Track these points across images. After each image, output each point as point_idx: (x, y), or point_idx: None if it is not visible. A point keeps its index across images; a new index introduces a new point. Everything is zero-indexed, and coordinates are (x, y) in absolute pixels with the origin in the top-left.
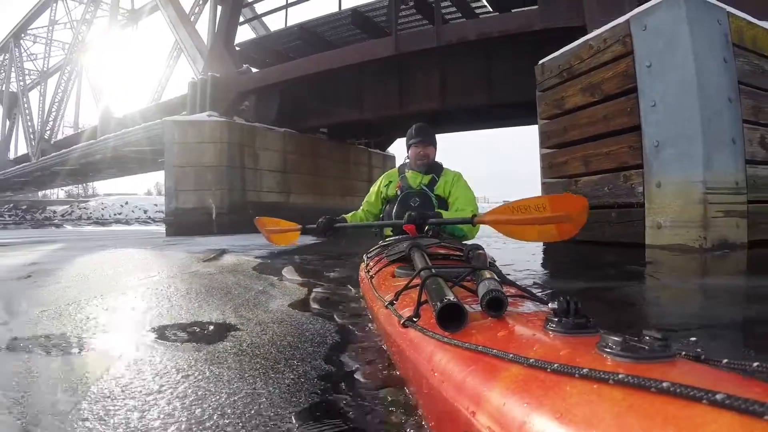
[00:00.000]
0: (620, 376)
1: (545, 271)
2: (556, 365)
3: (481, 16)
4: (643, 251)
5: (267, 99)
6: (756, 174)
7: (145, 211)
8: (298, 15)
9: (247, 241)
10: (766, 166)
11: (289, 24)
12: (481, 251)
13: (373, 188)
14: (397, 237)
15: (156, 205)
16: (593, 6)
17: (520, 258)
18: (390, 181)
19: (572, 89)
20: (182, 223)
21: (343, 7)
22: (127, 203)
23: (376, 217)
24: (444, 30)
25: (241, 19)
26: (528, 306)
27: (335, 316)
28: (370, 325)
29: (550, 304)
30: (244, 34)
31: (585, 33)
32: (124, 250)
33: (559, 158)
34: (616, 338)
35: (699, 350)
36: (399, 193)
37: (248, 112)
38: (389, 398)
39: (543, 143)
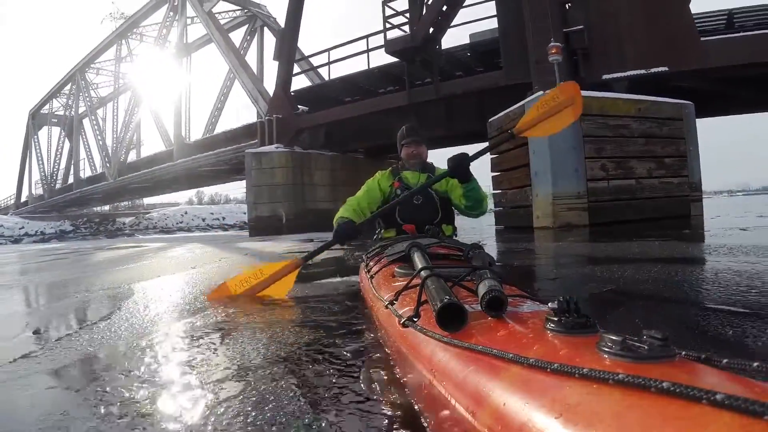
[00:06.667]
0: (620, 376)
1: (492, 238)
2: (555, 365)
3: (474, 68)
4: (532, 230)
5: (317, 131)
6: (596, 186)
7: (203, 219)
8: (341, 65)
9: (311, 237)
10: (604, 182)
11: (332, 76)
12: (481, 251)
13: (372, 183)
14: (396, 237)
15: (212, 213)
16: (535, 71)
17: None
18: (390, 183)
19: None
20: (260, 227)
21: (371, 65)
22: (186, 213)
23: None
24: (441, 86)
25: (299, 70)
26: (528, 306)
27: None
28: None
29: (549, 304)
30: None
31: (531, 88)
32: (249, 243)
33: (500, 179)
34: (615, 338)
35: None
36: (400, 192)
37: (304, 142)
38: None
39: (492, 169)
